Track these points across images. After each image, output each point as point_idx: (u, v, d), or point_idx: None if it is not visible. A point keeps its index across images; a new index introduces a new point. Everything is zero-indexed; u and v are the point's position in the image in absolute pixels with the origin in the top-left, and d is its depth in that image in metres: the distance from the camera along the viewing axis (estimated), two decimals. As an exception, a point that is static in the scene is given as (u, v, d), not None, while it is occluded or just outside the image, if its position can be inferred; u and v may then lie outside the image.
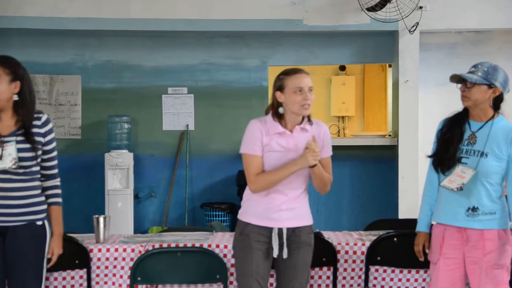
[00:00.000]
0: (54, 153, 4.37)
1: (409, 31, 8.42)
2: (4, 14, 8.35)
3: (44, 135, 4.28)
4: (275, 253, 4.18)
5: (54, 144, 4.36)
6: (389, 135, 9.19)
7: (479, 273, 4.17)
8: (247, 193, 4.29)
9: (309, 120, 4.32)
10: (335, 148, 8.86)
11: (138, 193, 9.07)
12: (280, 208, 4.20)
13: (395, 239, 4.66)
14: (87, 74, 9.10)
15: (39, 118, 4.30)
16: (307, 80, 4.24)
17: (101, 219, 4.72)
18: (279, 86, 4.24)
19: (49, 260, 4.26)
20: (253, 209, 4.25)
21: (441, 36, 9.07)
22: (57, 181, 4.41)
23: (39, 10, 8.39)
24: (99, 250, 4.58)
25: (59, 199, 4.39)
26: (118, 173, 8.74)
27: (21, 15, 8.37)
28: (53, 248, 4.28)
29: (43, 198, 4.31)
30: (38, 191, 4.29)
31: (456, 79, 4.30)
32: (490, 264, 4.16)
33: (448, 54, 9.06)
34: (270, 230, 4.20)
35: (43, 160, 4.33)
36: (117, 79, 9.13)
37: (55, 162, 4.38)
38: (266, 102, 9.07)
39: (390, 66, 9.68)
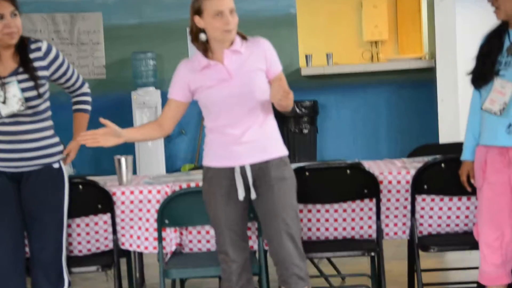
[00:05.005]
0: (70, 72, 4.06)
1: None
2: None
3: (47, 67, 3.94)
4: (240, 196, 3.75)
5: (65, 66, 4.02)
6: (426, 57, 8.83)
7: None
8: (206, 136, 3.90)
9: (244, 38, 3.82)
10: (370, 74, 8.85)
11: (168, 131, 8.83)
12: (238, 142, 3.75)
13: (442, 165, 4.33)
14: (108, 11, 8.80)
15: (39, 48, 3.93)
16: (228, 0, 3.72)
17: (123, 159, 4.43)
18: (197, 10, 3.74)
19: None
20: (212, 151, 3.84)
21: None
22: (84, 88, 4.18)
23: None
24: (123, 193, 4.31)
25: (86, 106, 4.18)
26: (146, 112, 8.57)
27: None
28: (70, 150, 4.09)
29: (57, 139, 4.03)
30: (51, 132, 4.00)
31: None
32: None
33: (485, -32, 8.60)
34: (232, 170, 3.76)
35: (63, 84, 4.07)
36: (139, 14, 8.83)
37: (75, 78, 4.11)
38: (295, 31, 8.82)
39: (424, -15, 9.31)
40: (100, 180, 4.41)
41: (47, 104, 3.97)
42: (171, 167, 8.76)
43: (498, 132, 3.87)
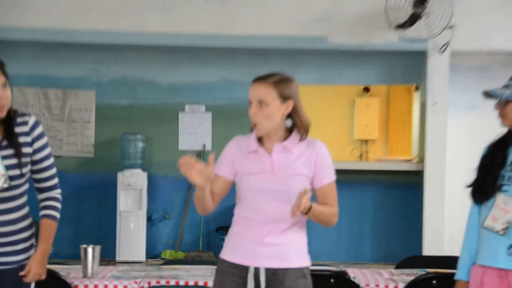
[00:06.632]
0: (49, 161, 3.57)
1: (439, 50, 8.08)
2: (17, 26, 8.05)
3: (31, 143, 3.51)
4: None
5: (48, 151, 3.55)
6: (415, 160, 8.83)
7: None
8: (232, 226, 3.66)
9: (302, 137, 3.53)
10: (358, 172, 8.78)
11: (152, 215, 8.76)
12: (260, 242, 3.49)
13: (434, 281, 4.11)
14: (102, 90, 8.83)
15: (25, 123, 3.50)
16: (256, 91, 3.48)
17: (89, 249, 4.17)
18: None
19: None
20: (231, 244, 3.58)
21: (472, 57, 8.73)
22: (54, 193, 3.61)
23: (52, 22, 8.09)
24: (86, 286, 4.03)
25: (54, 213, 3.58)
26: (131, 194, 8.49)
27: (34, 27, 8.07)
28: (31, 265, 3.45)
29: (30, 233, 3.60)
30: (27, 222, 3.57)
31: (490, 95, 3.76)
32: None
33: (478, 76, 8.69)
34: (246, 269, 3.50)
35: (35, 172, 3.54)
36: (132, 95, 8.86)
37: (52, 172, 3.59)
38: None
39: (417, 88, 9.36)
40: (63, 270, 4.15)
41: (26, 187, 3.56)
42: (152, 252, 8.65)
43: (498, 253, 3.57)
